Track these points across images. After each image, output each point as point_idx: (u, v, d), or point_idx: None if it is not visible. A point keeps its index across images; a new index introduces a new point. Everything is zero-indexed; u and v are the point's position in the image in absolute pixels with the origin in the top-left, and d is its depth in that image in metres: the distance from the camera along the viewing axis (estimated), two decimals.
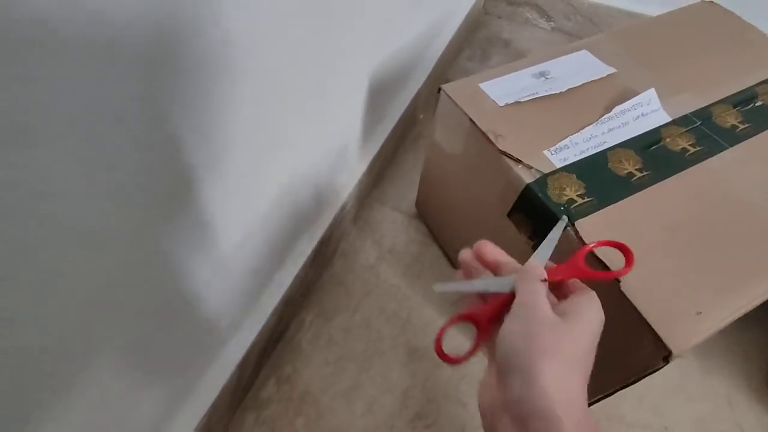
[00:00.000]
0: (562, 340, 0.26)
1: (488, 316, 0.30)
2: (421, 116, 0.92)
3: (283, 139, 0.49)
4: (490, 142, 0.49)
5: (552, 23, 1.09)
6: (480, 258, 0.34)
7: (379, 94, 0.71)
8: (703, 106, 0.53)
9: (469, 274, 0.34)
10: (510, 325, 0.27)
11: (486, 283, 0.32)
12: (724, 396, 0.61)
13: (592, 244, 0.33)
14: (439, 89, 0.55)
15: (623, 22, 1.00)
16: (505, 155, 0.48)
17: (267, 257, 0.56)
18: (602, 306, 0.40)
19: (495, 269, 0.33)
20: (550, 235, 0.34)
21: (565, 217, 0.37)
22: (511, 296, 0.29)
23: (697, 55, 0.59)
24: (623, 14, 0.99)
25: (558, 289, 0.31)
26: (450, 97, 0.53)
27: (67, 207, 0.26)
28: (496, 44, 1.07)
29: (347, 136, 0.66)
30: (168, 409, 0.48)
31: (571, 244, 0.43)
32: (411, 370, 0.63)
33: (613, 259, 0.39)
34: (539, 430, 0.23)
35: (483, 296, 0.32)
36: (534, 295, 0.28)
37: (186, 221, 0.38)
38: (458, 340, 0.32)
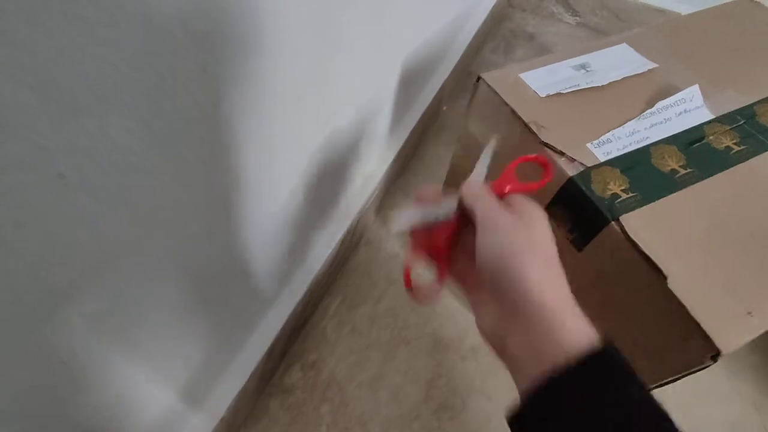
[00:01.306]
0: (533, 240, 0.27)
1: (444, 244, 0.31)
2: (445, 108, 0.92)
3: (321, 122, 0.48)
4: (532, 132, 0.49)
5: (577, 18, 1.08)
6: (422, 198, 0.34)
7: (407, 85, 0.71)
8: (746, 104, 0.52)
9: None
10: (483, 239, 0.28)
11: (440, 206, 0.32)
12: (750, 399, 0.61)
13: (519, 159, 0.35)
14: (479, 78, 0.55)
15: (651, 19, 0.99)
16: (548, 147, 0.47)
17: (297, 240, 0.56)
18: (649, 301, 0.40)
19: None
20: (483, 155, 0.35)
21: (496, 136, 0.36)
22: (459, 218, 0.31)
23: (739, 53, 0.58)
24: (651, 11, 0.98)
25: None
26: (490, 86, 0.53)
27: (136, 177, 0.26)
28: (520, 37, 1.06)
29: (377, 124, 0.65)
30: (197, 392, 0.48)
31: (614, 238, 0.42)
32: (436, 360, 0.63)
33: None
34: (543, 323, 0.25)
35: (431, 231, 0.32)
36: (492, 207, 0.29)
37: (225, 201, 0.37)
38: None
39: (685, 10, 0.94)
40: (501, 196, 0.32)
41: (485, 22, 0.99)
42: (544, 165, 0.34)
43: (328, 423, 0.59)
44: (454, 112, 0.91)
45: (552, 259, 0.28)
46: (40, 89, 0.19)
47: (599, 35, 1.06)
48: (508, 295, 0.27)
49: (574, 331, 0.26)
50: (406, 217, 0.32)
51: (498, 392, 0.61)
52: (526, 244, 0.27)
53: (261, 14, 0.31)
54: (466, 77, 0.96)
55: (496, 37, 1.06)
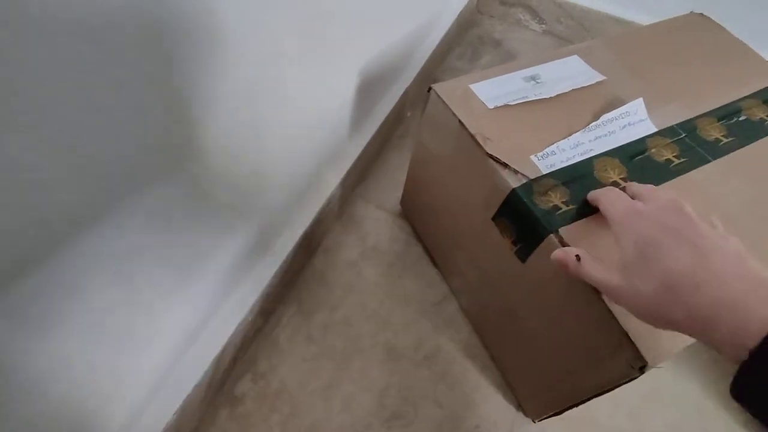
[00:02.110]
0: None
1: None
2: (409, 114, 0.92)
3: (273, 128, 0.48)
4: (478, 144, 0.49)
5: (543, 26, 1.09)
6: None
7: (368, 91, 0.70)
8: (688, 118, 0.53)
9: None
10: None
11: None
12: (694, 403, 0.63)
13: None
14: (429, 89, 0.55)
15: (613, 29, 1.00)
16: (493, 159, 0.48)
17: (248, 248, 0.55)
18: (585, 313, 0.40)
19: None
20: None
21: None
22: None
23: (685, 67, 0.59)
24: (613, 21, 1.00)
25: None
26: (440, 97, 0.53)
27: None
28: (487, 44, 1.07)
29: (336, 131, 0.65)
30: (142, 401, 0.47)
31: (553, 250, 0.43)
32: (389, 369, 0.63)
33: None
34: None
35: None
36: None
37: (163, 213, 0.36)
38: None
39: (644, 20, 0.95)
40: None
41: (452, 28, 0.99)
42: None
43: None
44: (417, 118, 0.91)
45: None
46: None
47: (564, 43, 1.08)
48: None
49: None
50: None
51: (449, 399, 0.61)
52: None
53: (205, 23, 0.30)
54: (431, 83, 0.96)
55: (463, 43, 1.07)
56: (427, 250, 0.73)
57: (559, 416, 0.54)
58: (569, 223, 0.43)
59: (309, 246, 0.69)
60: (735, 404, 0.63)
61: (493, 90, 0.54)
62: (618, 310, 0.38)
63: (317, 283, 0.70)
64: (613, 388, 0.42)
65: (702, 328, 0.28)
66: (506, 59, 1.04)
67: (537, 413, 0.59)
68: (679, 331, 0.29)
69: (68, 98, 0.24)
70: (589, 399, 0.46)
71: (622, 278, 0.32)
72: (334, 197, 0.71)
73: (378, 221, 0.77)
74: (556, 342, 0.49)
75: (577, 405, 0.48)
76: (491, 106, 0.52)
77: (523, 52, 1.05)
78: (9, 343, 0.28)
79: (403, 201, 0.76)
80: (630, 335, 0.37)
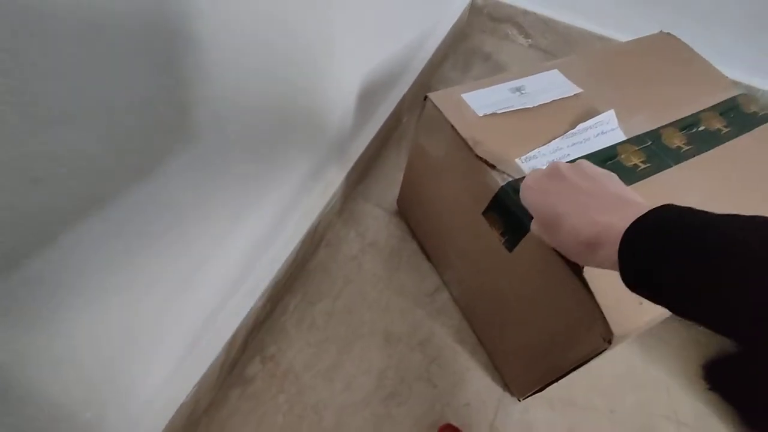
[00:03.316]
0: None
1: None
2: (405, 119, 0.98)
3: (285, 130, 0.53)
4: (469, 147, 0.55)
5: (530, 40, 1.17)
6: None
7: (369, 97, 0.77)
8: (654, 127, 0.60)
9: None
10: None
11: None
12: (664, 384, 0.70)
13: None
14: (425, 97, 0.61)
15: (592, 44, 1.08)
16: (482, 160, 0.54)
17: (263, 238, 0.61)
18: (562, 296, 0.47)
19: None
20: None
21: None
22: None
23: (653, 82, 0.67)
24: (594, 37, 1.08)
25: None
26: (435, 105, 0.59)
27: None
28: (477, 56, 1.14)
29: (339, 133, 0.71)
30: (161, 380, 0.52)
31: (535, 240, 0.49)
32: (387, 353, 0.69)
33: None
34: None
35: None
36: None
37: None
38: None
39: (621, 37, 1.04)
40: None
41: (445, 41, 1.06)
42: None
43: (285, 411, 0.63)
44: (413, 123, 0.98)
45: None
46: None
47: (548, 56, 1.15)
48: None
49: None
50: None
51: (442, 380, 0.67)
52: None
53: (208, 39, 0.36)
54: (426, 91, 1.03)
55: (455, 55, 1.14)
56: (422, 246, 0.79)
57: (541, 393, 0.61)
58: None
59: (313, 240, 0.75)
60: (701, 385, 0.73)
61: (483, 99, 0.61)
62: (595, 287, 0.44)
63: (321, 274, 0.75)
64: (586, 362, 0.48)
65: (592, 249, 0.35)
66: (495, 70, 1.11)
67: (522, 392, 0.65)
68: (585, 263, 0.38)
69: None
70: (567, 374, 0.52)
71: (540, 229, 0.42)
72: (337, 195, 0.77)
73: (376, 219, 0.83)
74: (538, 323, 0.55)
75: (557, 380, 0.55)
76: (481, 114, 0.59)
77: (510, 64, 1.13)
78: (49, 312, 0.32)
79: (400, 199, 0.82)
80: (602, 309, 0.43)
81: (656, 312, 0.45)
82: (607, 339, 0.44)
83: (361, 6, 0.58)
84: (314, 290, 0.74)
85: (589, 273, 0.45)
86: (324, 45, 0.53)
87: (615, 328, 0.43)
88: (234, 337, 0.62)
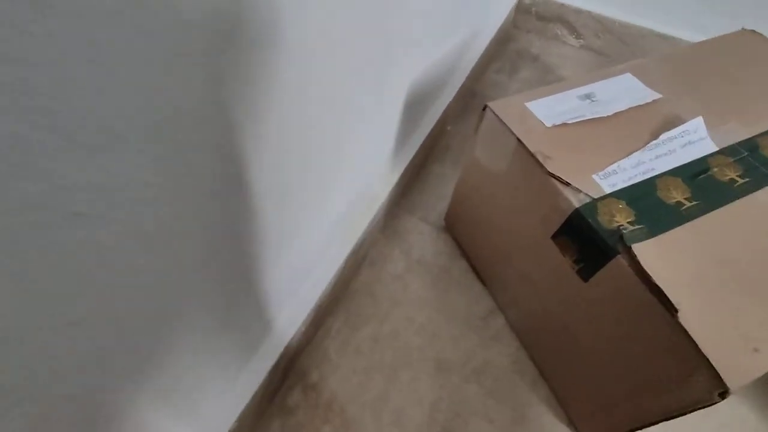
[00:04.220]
0: None
1: None
2: (449, 128, 0.93)
3: (329, 147, 0.49)
4: (538, 163, 0.49)
5: (581, 40, 1.10)
6: None
7: (415, 105, 0.72)
8: (749, 136, 0.53)
9: None
10: None
11: None
12: (753, 428, 0.61)
13: None
14: (485, 107, 0.55)
15: (654, 44, 1.00)
16: (554, 177, 0.48)
17: (305, 262, 0.56)
18: (656, 335, 0.40)
19: None
20: None
21: None
22: None
23: (741, 85, 0.59)
24: (655, 36, 1.00)
25: None
26: (497, 116, 0.54)
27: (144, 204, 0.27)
28: (524, 58, 1.08)
29: (384, 145, 0.66)
30: (198, 414, 0.48)
31: (621, 270, 0.43)
32: (439, 382, 0.63)
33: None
34: None
35: None
36: None
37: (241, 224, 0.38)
38: None
39: (688, 36, 0.95)
40: None
41: (490, 43, 1.00)
42: None
43: None
44: (458, 132, 0.92)
45: None
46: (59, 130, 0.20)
47: (602, 58, 1.08)
48: None
49: None
50: None
51: (499, 415, 0.61)
52: None
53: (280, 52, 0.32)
54: (471, 97, 0.97)
55: (501, 58, 1.07)
56: (472, 265, 0.74)
57: None
58: (637, 243, 0.43)
59: (356, 259, 0.70)
60: None
61: (550, 108, 0.55)
62: (695, 330, 0.38)
63: (364, 295, 0.70)
64: (683, 414, 0.41)
65: None
66: (544, 73, 1.04)
67: None
68: None
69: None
70: (652, 424, 0.45)
71: None
72: (381, 210, 0.72)
73: (422, 234, 0.77)
74: (616, 363, 0.48)
75: (639, 429, 0.48)
76: (549, 125, 0.53)
77: (561, 67, 1.06)
78: None
79: (449, 215, 0.76)
80: (710, 359, 0.36)
81: None
82: (719, 393, 0.37)
83: (410, 12, 0.53)
84: (358, 313, 0.69)
85: (687, 315, 0.39)
86: (376, 55, 0.49)
87: (729, 380, 0.36)
88: (277, 363, 0.58)
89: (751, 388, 0.64)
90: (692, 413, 0.44)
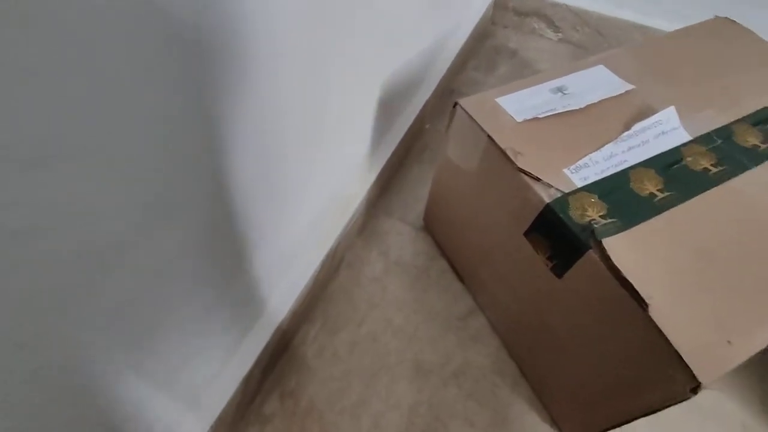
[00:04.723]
0: None
1: None
2: (427, 126, 0.91)
3: (294, 149, 0.47)
4: (509, 159, 0.48)
5: (559, 34, 1.09)
6: None
7: (390, 104, 0.70)
8: (723, 124, 0.52)
9: None
10: None
11: None
12: (739, 421, 0.60)
13: None
14: (455, 104, 0.54)
15: (631, 35, 0.99)
16: (524, 173, 0.47)
17: (275, 266, 0.55)
18: (629, 330, 0.39)
19: None
20: None
21: None
22: None
23: (715, 72, 0.58)
24: (631, 27, 0.99)
25: None
26: (467, 113, 0.52)
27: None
28: (502, 54, 1.07)
29: (358, 146, 0.65)
30: (173, 422, 0.46)
31: (593, 265, 0.42)
32: (418, 385, 0.62)
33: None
34: None
35: None
36: None
37: (200, 224, 0.36)
38: None
39: (665, 26, 0.95)
40: None
41: (468, 40, 0.99)
42: None
43: None
44: (437, 130, 0.91)
45: None
46: None
47: (581, 51, 1.07)
48: None
49: None
50: None
51: (480, 418, 0.59)
52: None
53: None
54: (449, 95, 0.96)
55: (478, 55, 1.06)
56: (452, 265, 0.72)
57: None
58: (609, 237, 0.42)
59: (332, 262, 0.69)
60: None
61: (520, 103, 0.53)
62: (666, 325, 0.37)
63: (342, 299, 0.69)
64: (660, 409, 0.40)
65: None
66: (523, 69, 1.03)
67: None
68: None
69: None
70: (633, 420, 0.44)
71: None
72: (358, 212, 0.70)
73: (400, 235, 0.76)
74: (594, 360, 0.47)
75: (619, 425, 0.47)
76: (519, 120, 0.51)
77: (539, 61, 1.05)
78: None
79: (427, 215, 0.75)
80: (682, 354, 0.35)
81: (749, 352, 0.37)
82: (692, 389, 0.36)
83: (379, 11, 0.52)
84: (335, 317, 0.67)
85: (659, 309, 0.38)
86: (340, 50, 0.47)
87: (701, 375, 0.35)
88: (250, 372, 0.56)
89: (735, 377, 0.63)
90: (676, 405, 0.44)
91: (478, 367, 0.63)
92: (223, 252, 0.42)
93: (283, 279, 0.59)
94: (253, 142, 0.38)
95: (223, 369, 0.53)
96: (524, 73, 1.02)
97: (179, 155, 0.30)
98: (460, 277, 0.71)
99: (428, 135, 0.90)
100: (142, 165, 0.28)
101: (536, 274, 0.50)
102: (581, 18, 1.04)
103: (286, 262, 0.58)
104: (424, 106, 0.83)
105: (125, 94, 0.24)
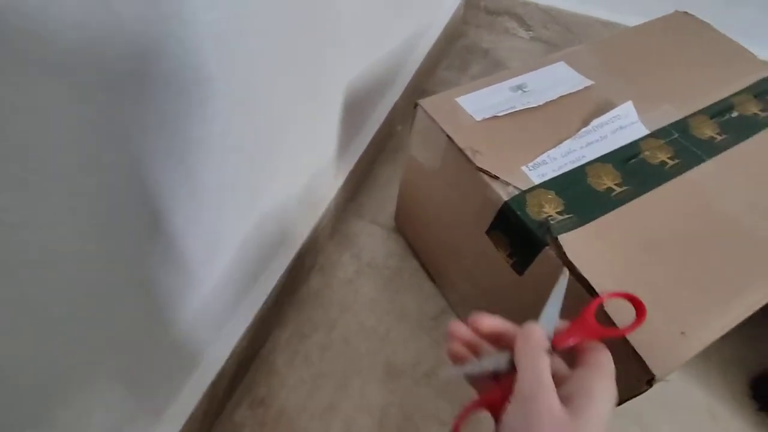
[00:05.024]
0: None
1: (503, 400, 0.26)
2: (399, 128, 0.91)
3: (258, 154, 0.47)
4: (468, 158, 0.48)
5: (531, 32, 1.09)
6: (477, 332, 0.30)
7: (356, 107, 0.70)
8: (680, 117, 0.53)
9: (465, 353, 0.31)
10: (509, 421, 0.24)
11: (488, 361, 0.28)
12: (706, 408, 0.61)
13: (604, 296, 0.30)
14: (416, 104, 0.54)
15: (600, 32, 1.00)
16: (483, 172, 0.47)
17: (239, 274, 0.54)
18: None
19: (495, 342, 0.30)
20: (554, 292, 0.30)
21: (566, 271, 0.36)
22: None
23: (673, 66, 0.59)
24: (600, 24, 1.00)
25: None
26: (427, 113, 0.52)
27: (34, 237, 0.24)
28: (475, 54, 1.07)
29: (325, 149, 0.64)
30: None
31: (550, 261, 0.42)
32: (389, 387, 0.61)
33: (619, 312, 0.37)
34: None
35: (496, 375, 0.28)
36: (535, 377, 0.24)
37: (154, 239, 0.35)
38: None
39: (631, 21, 0.95)
40: (571, 348, 0.27)
41: (439, 40, 0.99)
42: (637, 304, 0.29)
43: None
44: (409, 131, 0.91)
45: None
46: None
47: (552, 48, 1.08)
48: None
49: None
50: (461, 370, 0.29)
51: (451, 416, 0.59)
52: None
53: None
54: (420, 96, 0.96)
55: (450, 54, 1.06)
56: (423, 265, 0.72)
57: None
58: (565, 233, 0.42)
59: (303, 266, 0.68)
60: (751, 406, 0.60)
61: (480, 102, 0.53)
62: (620, 318, 0.37)
63: (313, 303, 0.68)
64: (620, 403, 0.40)
65: None
66: (495, 68, 1.04)
67: None
68: None
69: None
70: None
71: None
72: (327, 215, 0.70)
73: (372, 237, 0.76)
74: None
75: None
76: (479, 119, 0.51)
77: (511, 60, 1.05)
78: None
79: (397, 216, 0.75)
80: (635, 348, 0.35)
81: (703, 343, 0.37)
82: (646, 381, 0.36)
83: (345, 10, 0.52)
84: (306, 321, 0.67)
85: (611, 303, 0.38)
86: (309, 50, 0.47)
87: (655, 367, 0.35)
88: (217, 380, 0.55)
89: (699, 363, 0.64)
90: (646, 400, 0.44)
91: (450, 366, 0.63)
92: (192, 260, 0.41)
93: (251, 285, 0.58)
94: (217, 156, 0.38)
95: (188, 378, 0.52)
96: (497, 71, 1.02)
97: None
98: (432, 277, 0.71)
99: (400, 137, 0.90)
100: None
101: (499, 272, 0.50)
102: (551, 16, 1.04)
103: (251, 269, 0.57)
104: (394, 107, 0.83)
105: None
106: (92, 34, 0.23)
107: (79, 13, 0.22)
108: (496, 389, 0.27)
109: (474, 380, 0.30)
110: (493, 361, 0.28)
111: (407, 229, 0.74)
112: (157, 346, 0.44)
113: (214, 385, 0.55)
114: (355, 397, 0.61)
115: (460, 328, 0.31)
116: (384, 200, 0.79)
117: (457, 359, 0.31)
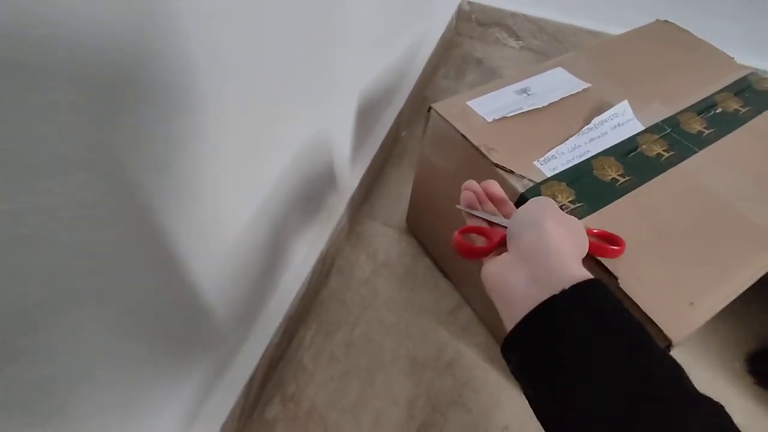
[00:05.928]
0: (563, 218, 0.36)
1: (497, 238, 0.38)
2: (404, 133, 0.95)
3: (278, 156, 0.50)
4: (483, 155, 0.52)
5: (520, 42, 1.16)
6: (487, 191, 0.42)
7: (366, 114, 0.74)
8: (671, 114, 0.58)
9: (474, 201, 0.42)
10: (526, 206, 0.37)
11: (496, 217, 0.41)
12: (707, 384, 0.65)
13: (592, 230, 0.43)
14: (429, 108, 0.58)
15: (585, 40, 1.07)
16: (499, 167, 0.51)
17: (265, 278, 0.57)
18: None
19: (498, 203, 0.42)
20: None
21: None
22: None
23: (661, 69, 0.64)
24: (585, 33, 1.06)
25: None
26: (441, 116, 0.56)
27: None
28: (469, 63, 1.12)
29: (339, 155, 0.68)
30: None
31: None
32: (414, 380, 0.65)
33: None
34: (551, 262, 0.32)
35: (490, 223, 0.41)
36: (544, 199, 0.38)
37: (169, 247, 0.37)
38: None
39: (613, 30, 1.02)
40: None
41: (436, 51, 1.04)
42: (615, 239, 0.42)
43: None
44: (413, 136, 0.95)
45: (566, 228, 0.35)
46: None
47: (541, 57, 1.14)
48: (529, 244, 0.33)
49: (575, 271, 0.31)
50: (470, 210, 0.42)
51: (477, 404, 0.62)
52: (555, 214, 0.36)
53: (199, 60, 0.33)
54: (422, 102, 1.01)
55: (447, 64, 1.12)
56: (436, 262, 0.76)
57: None
58: (580, 219, 0.46)
59: (323, 268, 0.71)
60: (748, 380, 0.65)
61: (489, 105, 0.58)
62: (636, 293, 0.41)
63: (335, 302, 0.71)
64: None
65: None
66: (489, 75, 1.09)
67: None
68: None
69: None
70: None
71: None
72: (343, 218, 0.73)
73: (385, 237, 0.79)
74: None
75: None
76: (490, 120, 0.56)
77: (504, 68, 1.11)
78: None
79: (409, 217, 0.79)
80: (651, 316, 0.39)
81: (711, 312, 0.42)
82: (665, 347, 0.40)
83: (354, 25, 0.56)
84: (329, 320, 0.70)
85: (628, 280, 0.42)
86: (321, 66, 0.51)
87: (671, 333, 0.39)
88: (252, 378, 0.58)
89: (698, 342, 0.68)
90: None
91: (470, 356, 0.67)
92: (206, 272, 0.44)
93: (276, 290, 0.61)
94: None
95: (222, 379, 0.54)
96: (491, 79, 1.08)
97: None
98: (446, 274, 0.74)
99: (405, 141, 0.94)
100: None
101: None
102: (539, 26, 1.11)
103: (278, 268, 0.60)
104: (399, 113, 0.88)
105: None
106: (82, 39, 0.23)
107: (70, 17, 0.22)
108: (493, 230, 0.40)
109: (472, 222, 0.41)
110: (502, 219, 0.40)
111: (419, 229, 0.78)
112: (189, 347, 0.46)
113: (249, 383, 0.57)
114: (382, 391, 0.64)
115: (473, 184, 0.43)
116: (393, 202, 0.83)
117: (467, 204, 0.42)
